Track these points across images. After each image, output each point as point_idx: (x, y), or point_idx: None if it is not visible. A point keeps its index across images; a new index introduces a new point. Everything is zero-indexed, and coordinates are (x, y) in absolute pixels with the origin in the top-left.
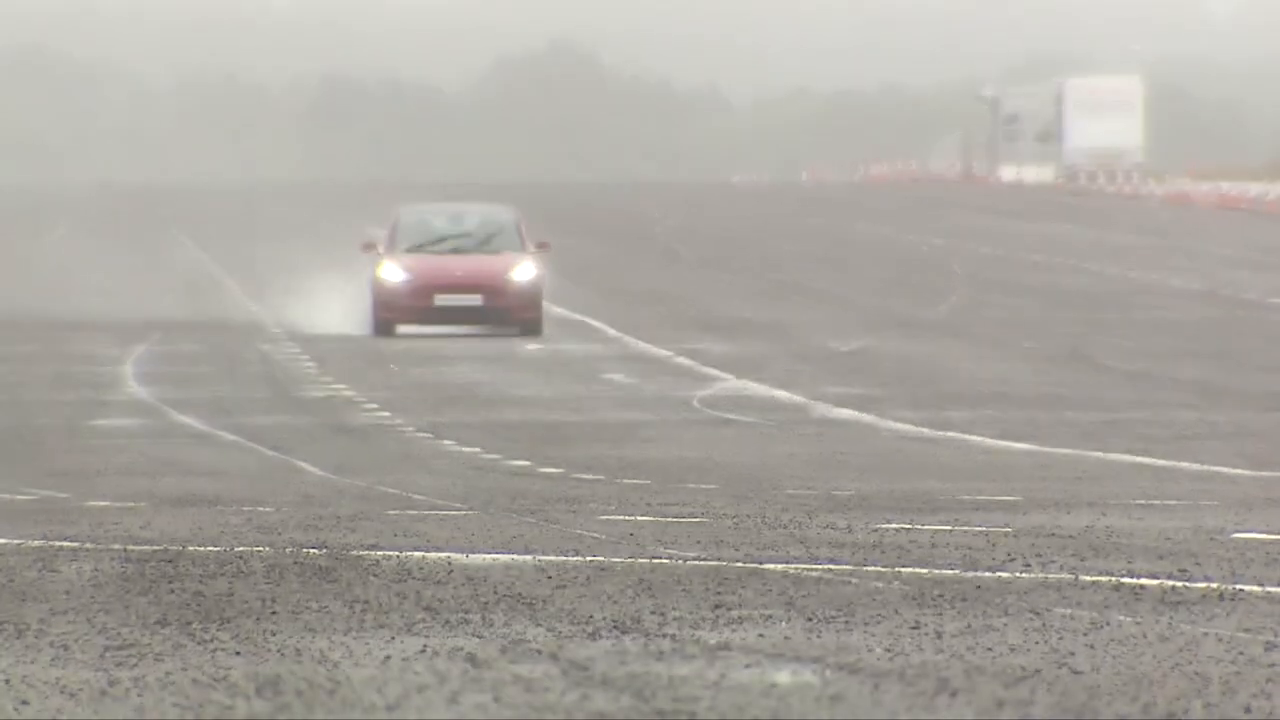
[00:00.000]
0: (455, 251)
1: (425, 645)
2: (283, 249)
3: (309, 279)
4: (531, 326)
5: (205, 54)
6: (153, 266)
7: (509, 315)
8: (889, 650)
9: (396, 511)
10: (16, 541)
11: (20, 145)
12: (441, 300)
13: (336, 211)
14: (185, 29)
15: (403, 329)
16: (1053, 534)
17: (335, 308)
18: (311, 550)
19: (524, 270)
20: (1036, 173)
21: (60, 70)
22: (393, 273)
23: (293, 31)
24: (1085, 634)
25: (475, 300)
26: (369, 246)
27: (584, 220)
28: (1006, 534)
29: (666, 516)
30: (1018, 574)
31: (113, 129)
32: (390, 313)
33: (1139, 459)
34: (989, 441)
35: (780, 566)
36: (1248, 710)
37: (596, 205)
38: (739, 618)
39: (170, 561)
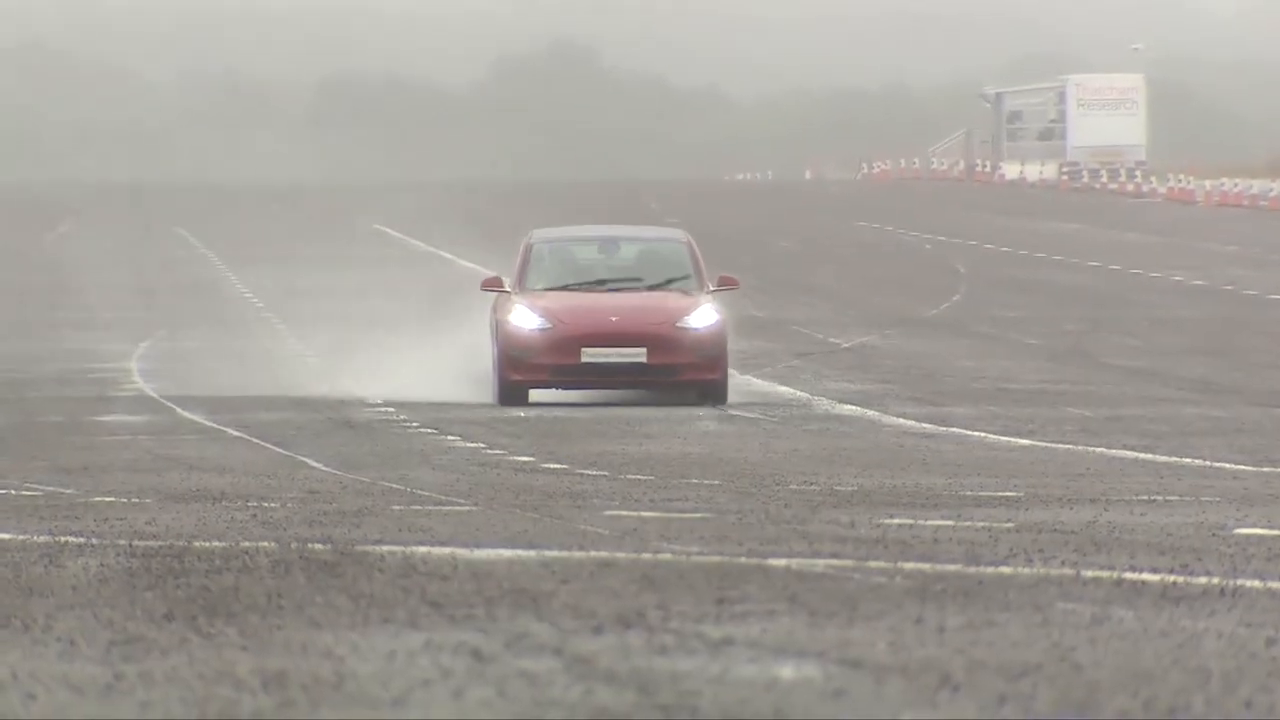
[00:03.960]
0: (609, 290)
1: (430, 640)
2: (317, 260)
3: (371, 308)
4: (713, 391)
5: (206, 51)
6: (157, 264)
7: (682, 375)
8: (891, 645)
9: (401, 507)
10: (23, 537)
11: (21, 142)
12: (591, 355)
13: (348, 212)
14: (186, 26)
15: (537, 394)
16: (1055, 529)
17: (421, 353)
18: (316, 545)
19: (702, 315)
20: (1039, 170)
21: (61, 67)
22: (526, 318)
23: (294, 29)
24: (1087, 629)
25: (637, 355)
26: (492, 283)
27: (586, 218)
28: (1008, 529)
29: (670, 512)
30: (1019, 569)
31: (114, 126)
32: (522, 372)
33: (1141, 455)
34: (991, 437)
35: (783, 562)
36: (1248, 705)
37: (599, 203)
38: (742, 613)
39: (176, 557)
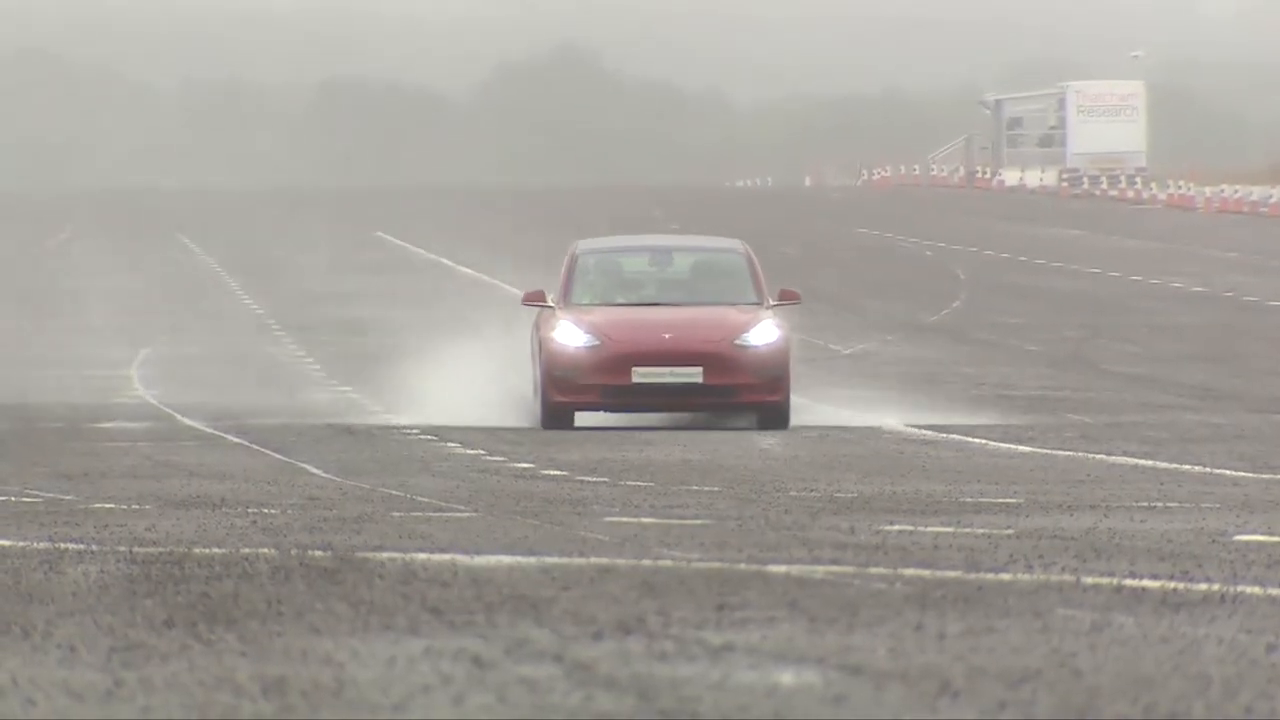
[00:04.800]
0: (661, 305)
1: (430, 646)
2: (317, 267)
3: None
4: (774, 414)
5: (207, 55)
6: (158, 270)
7: (741, 397)
8: (891, 651)
9: (401, 513)
10: (23, 543)
11: (24, 149)
12: (643, 375)
13: (349, 218)
14: (186, 31)
15: (583, 417)
16: (1055, 536)
17: (449, 369)
18: (317, 552)
19: (763, 331)
20: (1039, 177)
21: (63, 74)
22: (571, 335)
23: (295, 35)
24: (1087, 635)
25: (692, 375)
26: (534, 297)
27: (587, 224)
28: (1008, 536)
29: (670, 518)
30: (1020, 575)
31: (115, 132)
32: (568, 394)
33: (1141, 461)
34: (991, 444)
35: (783, 568)
36: (1249, 712)
37: (600, 209)
38: (742, 619)
39: (176, 563)
